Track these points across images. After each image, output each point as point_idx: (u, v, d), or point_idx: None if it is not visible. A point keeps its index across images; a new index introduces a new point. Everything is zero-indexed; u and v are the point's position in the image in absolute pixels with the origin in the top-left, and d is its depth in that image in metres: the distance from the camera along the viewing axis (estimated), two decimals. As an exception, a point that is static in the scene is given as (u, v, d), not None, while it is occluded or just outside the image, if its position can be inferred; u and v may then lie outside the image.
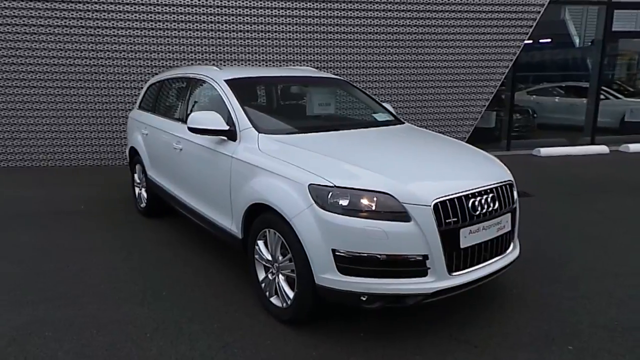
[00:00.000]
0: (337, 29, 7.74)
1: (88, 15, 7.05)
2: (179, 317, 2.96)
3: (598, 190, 6.16)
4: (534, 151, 8.92)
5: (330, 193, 2.53)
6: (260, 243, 2.99)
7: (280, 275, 2.87)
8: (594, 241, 4.28)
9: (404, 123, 4.03)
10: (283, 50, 7.68)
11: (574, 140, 9.79)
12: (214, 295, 3.25)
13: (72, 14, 7.01)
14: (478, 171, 2.93)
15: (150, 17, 7.22)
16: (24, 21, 6.93)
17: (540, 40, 11.57)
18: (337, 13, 7.67)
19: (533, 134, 10.35)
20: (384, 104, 4.30)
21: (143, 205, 5.01)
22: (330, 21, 7.69)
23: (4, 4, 6.83)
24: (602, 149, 9.13)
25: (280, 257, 2.84)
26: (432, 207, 2.48)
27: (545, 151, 8.81)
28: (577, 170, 7.51)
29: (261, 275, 3.05)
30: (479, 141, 7.32)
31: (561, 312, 3.04)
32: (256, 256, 3.05)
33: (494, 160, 3.22)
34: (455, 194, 2.58)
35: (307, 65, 7.46)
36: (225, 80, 3.67)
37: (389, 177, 2.58)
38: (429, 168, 2.85)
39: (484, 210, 2.67)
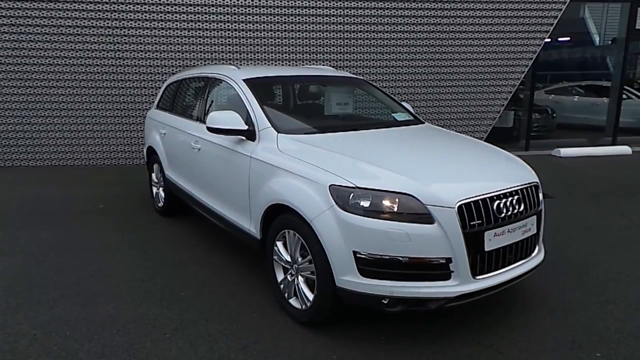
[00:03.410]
0: (355, 27, 7.68)
1: (106, 15, 7.10)
2: (197, 317, 2.94)
3: (622, 193, 6.01)
4: (554, 151, 8.76)
5: (352, 194, 2.49)
6: (279, 244, 2.96)
7: (299, 277, 2.84)
8: (620, 245, 4.17)
9: (423, 123, 3.97)
10: (300, 49, 7.65)
11: (595, 140, 9.59)
12: (232, 296, 3.23)
13: (91, 14, 7.07)
14: (503, 172, 2.87)
15: (168, 16, 7.25)
16: (43, 22, 7.01)
17: (559, 39, 11.38)
18: (355, 12, 7.62)
19: (552, 134, 10.17)
20: (403, 104, 4.24)
21: (160, 204, 5.03)
22: (348, 20, 7.64)
23: (25, 5, 6.92)
24: (625, 149, 8.92)
25: (300, 259, 2.81)
26: (456, 209, 2.42)
27: (565, 151, 8.64)
28: (599, 171, 7.34)
29: (280, 276, 3.02)
30: (497, 141, 7.15)
31: (587, 318, 2.95)
32: (275, 257, 3.02)
33: (519, 161, 3.15)
34: (480, 195, 2.52)
35: (325, 65, 7.42)
36: (244, 80, 3.65)
37: (411, 178, 2.53)
38: (452, 169, 2.78)
39: (509, 213, 2.60)
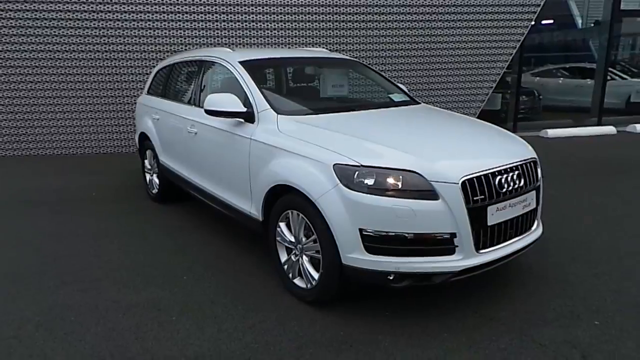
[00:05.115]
0: (346, 10, 7.63)
1: (92, 7, 6.94)
2: (202, 300, 2.95)
3: (610, 171, 6.13)
4: (541, 133, 8.88)
5: (356, 172, 2.50)
6: (282, 225, 2.98)
7: (304, 257, 2.86)
8: (611, 222, 4.27)
9: (419, 103, 3.99)
10: (292, 33, 7.57)
11: (581, 121, 9.74)
12: (235, 278, 3.24)
13: (75, 7, 6.90)
14: (503, 149, 2.91)
15: (156, 1, 7.11)
16: (35, 15, 6.84)
17: (542, 22, 11.45)
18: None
19: (539, 115, 10.30)
20: (398, 85, 4.25)
21: (155, 191, 4.98)
22: (339, 2, 7.58)
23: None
24: (610, 129, 9.09)
25: (304, 238, 2.82)
26: (460, 184, 2.45)
27: (552, 132, 8.77)
28: (587, 151, 7.48)
29: (283, 257, 3.04)
30: (488, 123, 7.29)
31: (584, 290, 3.03)
32: (278, 238, 3.03)
33: (517, 138, 3.20)
34: (482, 171, 2.55)
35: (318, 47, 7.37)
36: (240, 62, 3.62)
37: (414, 156, 2.55)
38: (453, 146, 2.82)
39: (510, 188, 2.65)
